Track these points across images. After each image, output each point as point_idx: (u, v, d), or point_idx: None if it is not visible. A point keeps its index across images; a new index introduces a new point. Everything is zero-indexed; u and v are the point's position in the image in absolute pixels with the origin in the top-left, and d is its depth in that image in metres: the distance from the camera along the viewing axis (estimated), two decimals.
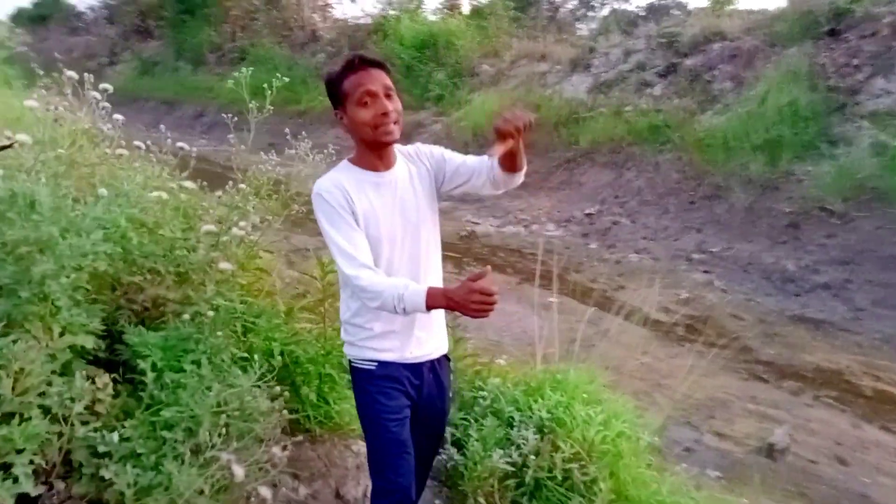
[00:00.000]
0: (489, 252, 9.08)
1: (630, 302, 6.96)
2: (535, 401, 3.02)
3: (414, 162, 2.05)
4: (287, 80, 2.47)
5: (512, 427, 2.92)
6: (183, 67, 19.66)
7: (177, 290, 2.28)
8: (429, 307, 1.75)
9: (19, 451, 1.53)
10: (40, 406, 1.63)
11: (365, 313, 1.97)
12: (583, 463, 2.75)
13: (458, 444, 2.87)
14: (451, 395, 2.26)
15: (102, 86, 2.70)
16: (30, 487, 1.45)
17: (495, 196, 11.51)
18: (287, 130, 2.95)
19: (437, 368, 2.12)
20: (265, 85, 2.31)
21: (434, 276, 2.06)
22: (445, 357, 2.18)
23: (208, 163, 3.20)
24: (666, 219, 9.26)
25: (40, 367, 1.60)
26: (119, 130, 2.77)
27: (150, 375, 1.95)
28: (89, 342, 1.98)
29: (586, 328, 4.66)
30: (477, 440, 2.73)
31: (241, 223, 2.51)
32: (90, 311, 2.13)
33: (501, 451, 2.70)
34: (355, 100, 1.87)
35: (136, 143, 2.92)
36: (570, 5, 21.99)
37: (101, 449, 1.69)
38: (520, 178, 2.04)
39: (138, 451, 1.72)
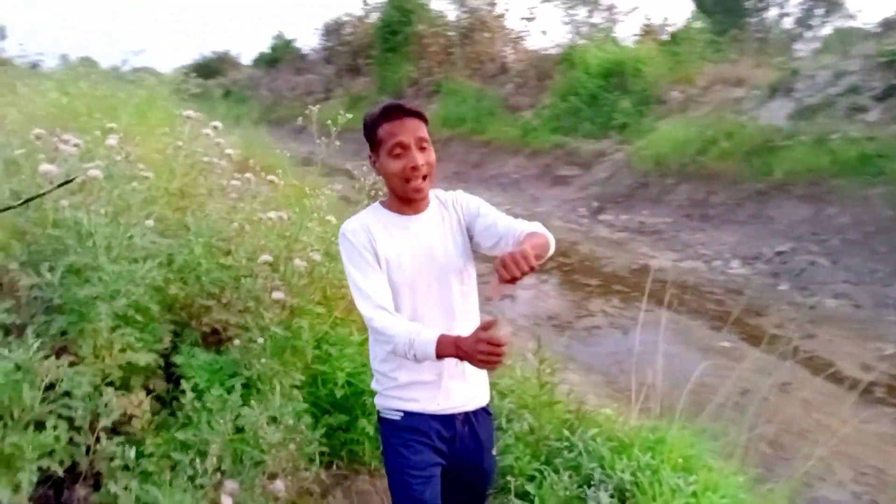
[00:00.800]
0: (660, 287, 8.52)
1: (821, 353, 6.13)
2: (621, 459, 2.73)
3: (447, 208, 1.99)
4: (350, 116, 2.52)
5: (590, 486, 2.66)
6: (383, 101, 21.17)
7: (240, 316, 2.40)
8: (439, 355, 1.66)
9: (40, 457, 1.68)
10: (68, 418, 1.79)
11: (390, 361, 1.92)
12: None
13: (525, 498, 2.67)
14: (493, 450, 2.11)
15: (213, 123, 2.94)
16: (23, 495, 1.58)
17: (675, 228, 10.98)
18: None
19: (472, 421, 1.99)
20: (329, 121, 2.38)
21: (469, 324, 1.94)
22: (485, 410, 2.05)
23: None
24: (874, 261, 8.06)
25: (67, 382, 1.75)
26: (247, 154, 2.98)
27: (189, 396, 2.06)
28: (143, 360, 2.14)
29: (763, 380, 4.11)
30: (537, 495, 2.53)
31: (311, 253, 2.58)
32: (160, 330, 2.32)
33: None
34: (387, 150, 1.85)
35: (248, 174, 3.14)
36: (785, 25, 20.35)
37: (117, 463, 1.80)
38: None
39: (150, 469, 1.81)
